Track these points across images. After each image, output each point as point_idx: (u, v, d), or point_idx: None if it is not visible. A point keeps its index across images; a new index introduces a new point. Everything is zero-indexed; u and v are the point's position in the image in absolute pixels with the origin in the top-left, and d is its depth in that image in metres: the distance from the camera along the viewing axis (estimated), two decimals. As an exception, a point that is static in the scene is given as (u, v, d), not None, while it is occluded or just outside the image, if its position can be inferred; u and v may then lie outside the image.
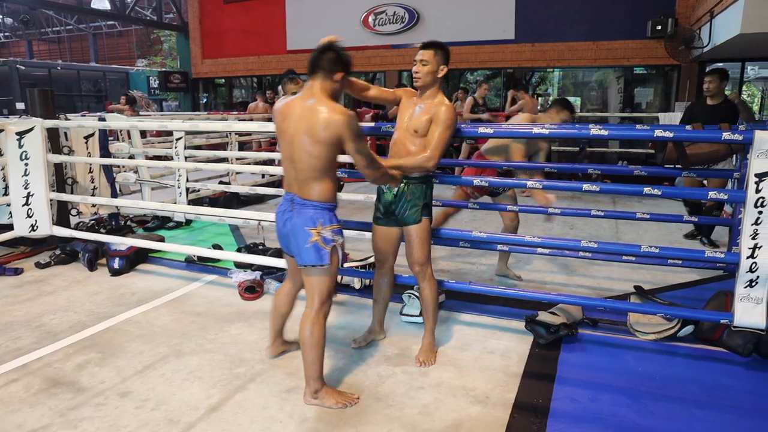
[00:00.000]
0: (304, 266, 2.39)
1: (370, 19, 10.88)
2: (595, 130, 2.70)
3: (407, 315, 3.30)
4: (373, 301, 3.06)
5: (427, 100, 2.67)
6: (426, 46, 2.68)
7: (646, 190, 2.74)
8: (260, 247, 4.41)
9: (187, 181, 5.69)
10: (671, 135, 2.55)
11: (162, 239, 4.83)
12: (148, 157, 6.22)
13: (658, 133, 2.57)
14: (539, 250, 3.72)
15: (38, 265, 4.39)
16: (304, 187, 2.35)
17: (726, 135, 2.52)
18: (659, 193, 2.72)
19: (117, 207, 5.33)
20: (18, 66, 17.26)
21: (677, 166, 3.39)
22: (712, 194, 2.72)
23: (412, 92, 2.79)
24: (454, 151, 9.78)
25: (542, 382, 2.65)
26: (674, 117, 7.75)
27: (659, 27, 8.80)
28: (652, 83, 10.83)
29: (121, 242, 4.32)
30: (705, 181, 5.02)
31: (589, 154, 9.07)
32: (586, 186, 2.85)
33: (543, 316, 3.10)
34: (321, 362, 2.41)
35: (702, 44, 8.09)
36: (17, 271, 4.24)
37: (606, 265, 4.29)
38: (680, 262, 3.53)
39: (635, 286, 3.50)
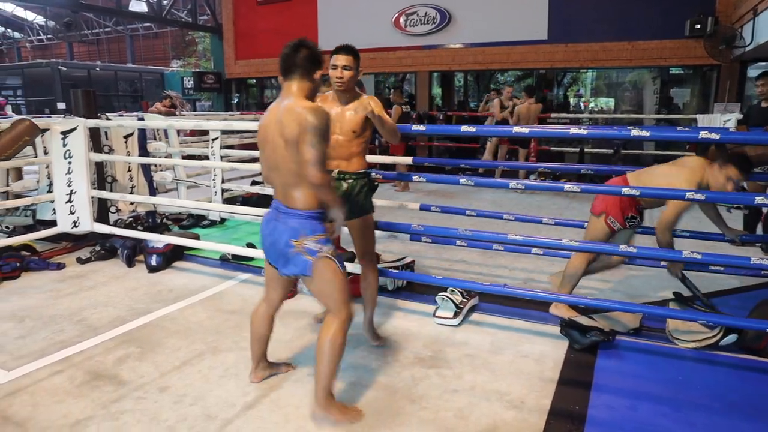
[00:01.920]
0: (293, 275, 2.30)
1: (402, 19, 10.87)
2: (635, 132, 2.65)
3: (440, 317, 3.29)
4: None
5: (354, 102, 2.75)
6: (347, 51, 2.70)
7: (689, 194, 2.67)
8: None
9: (222, 181, 5.78)
10: (717, 137, 2.48)
11: (197, 237, 4.92)
12: (184, 157, 6.34)
13: (702, 134, 2.51)
14: (572, 254, 3.66)
15: (79, 261, 4.52)
16: (288, 194, 2.23)
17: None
18: (703, 197, 2.65)
19: (154, 205, 5.45)
20: (60, 67, 17.82)
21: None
22: (759, 199, 2.63)
23: (327, 99, 2.80)
24: (484, 151, 9.73)
25: (578, 388, 2.61)
26: (713, 119, 7.54)
27: (698, 26, 8.57)
28: (689, 84, 10.56)
29: (159, 239, 4.41)
30: (746, 185, 4.88)
31: (623, 157, 8.89)
32: (625, 190, 2.79)
33: (580, 320, 3.05)
34: (334, 374, 2.29)
35: (744, 43, 7.85)
36: (60, 266, 4.38)
37: (641, 269, 4.20)
38: (722, 268, 3.43)
39: (674, 293, 3.41)
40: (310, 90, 2.25)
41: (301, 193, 2.21)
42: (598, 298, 3.38)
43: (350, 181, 2.82)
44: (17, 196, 5.64)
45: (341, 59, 2.68)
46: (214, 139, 5.66)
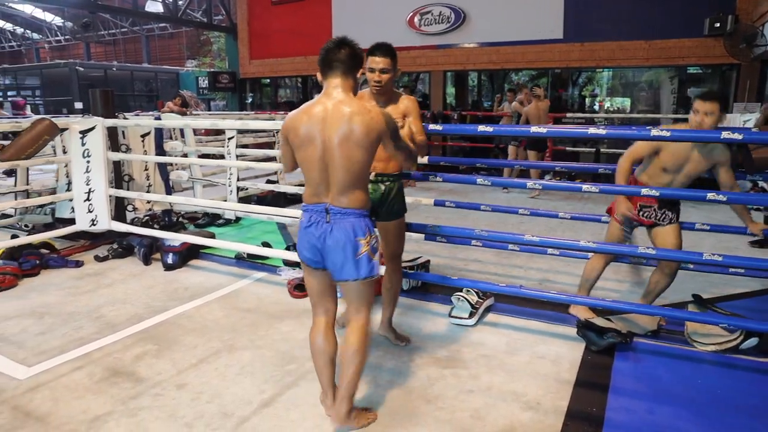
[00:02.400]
0: (353, 280, 2.15)
1: (416, 19, 10.85)
2: (655, 132, 2.62)
3: (456, 317, 3.28)
4: None
5: (391, 103, 2.72)
6: (385, 53, 2.62)
7: (710, 195, 2.64)
8: (308, 246, 4.46)
9: (238, 179, 5.82)
10: (740, 137, 2.44)
11: (213, 236, 4.95)
12: (200, 156, 6.39)
13: (725, 135, 2.47)
14: (590, 255, 3.62)
15: (97, 258, 4.58)
16: (342, 195, 2.12)
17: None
18: (724, 199, 2.61)
19: (170, 204, 5.50)
20: (77, 67, 18.05)
21: (741, 170, 3.25)
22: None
23: (363, 97, 2.73)
24: (500, 152, 9.68)
25: (595, 390, 2.58)
26: (733, 119, 7.44)
27: (718, 24, 8.44)
28: (708, 83, 10.41)
29: (175, 238, 4.45)
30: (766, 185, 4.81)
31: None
32: (644, 191, 2.77)
33: (597, 321, 3.02)
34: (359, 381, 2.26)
35: (765, 42, 7.72)
36: (78, 264, 4.44)
37: (660, 271, 4.15)
38: (743, 271, 3.38)
39: (693, 295, 3.37)
40: (352, 89, 2.17)
41: (358, 194, 2.14)
42: (615, 299, 3.34)
43: (387, 183, 2.82)
44: (38, 194, 5.72)
45: (379, 62, 2.60)
46: (229, 139, 5.69)
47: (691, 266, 3.54)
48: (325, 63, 2.16)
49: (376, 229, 2.27)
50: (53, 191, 5.42)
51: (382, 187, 2.80)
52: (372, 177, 2.75)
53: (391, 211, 2.83)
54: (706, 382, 2.65)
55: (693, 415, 2.37)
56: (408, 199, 4.06)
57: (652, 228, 3.20)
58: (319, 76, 2.19)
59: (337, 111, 2.08)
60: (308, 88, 13.66)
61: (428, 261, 4.11)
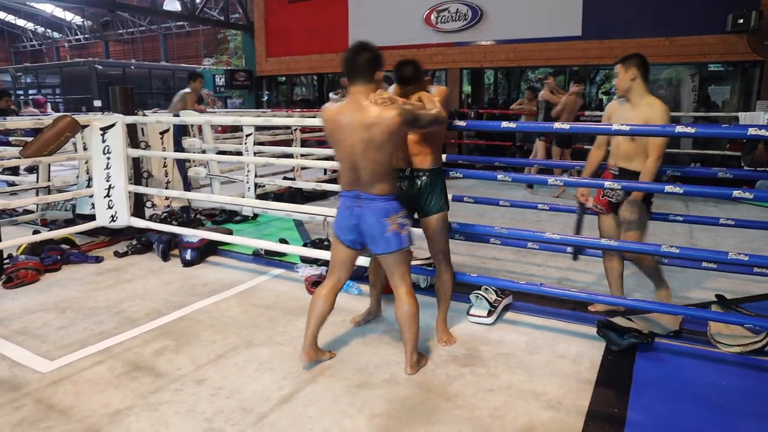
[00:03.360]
0: (387, 253, 2.56)
1: (433, 16, 10.80)
2: (680, 128, 2.57)
3: (474, 315, 3.26)
4: (371, 285, 3.27)
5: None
6: (405, 81, 2.77)
7: (736, 193, 2.58)
8: (326, 243, 4.47)
9: (255, 176, 5.84)
10: None
11: (230, 232, 4.97)
12: (218, 153, 6.42)
13: (752, 131, 2.42)
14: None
15: (117, 254, 4.63)
16: (369, 187, 2.49)
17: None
18: (751, 196, 2.56)
19: (189, 200, 5.54)
20: (96, 66, 18.28)
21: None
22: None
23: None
24: (518, 150, 9.60)
25: (617, 390, 2.55)
26: (756, 117, 7.29)
27: (741, 20, 8.28)
28: (729, 81, 10.22)
29: (193, 234, 4.48)
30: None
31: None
32: (668, 188, 2.72)
33: (617, 321, 2.98)
34: (418, 336, 2.66)
35: (790, 39, 7.56)
36: (98, 259, 4.49)
37: (680, 271, 4.08)
38: (768, 270, 3.31)
39: (717, 295, 3.31)
40: (374, 91, 2.43)
41: (384, 185, 2.50)
42: (636, 299, 3.29)
43: (423, 178, 2.83)
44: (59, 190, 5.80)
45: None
46: (247, 135, 5.71)
47: (714, 266, 3.47)
48: (346, 71, 2.44)
49: (403, 209, 2.60)
50: (72, 188, 5.49)
51: (419, 182, 2.83)
52: (407, 173, 2.83)
53: (429, 206, 2.85)
54: (731, 384, 2.60)
55: (717, 418, 2.33)
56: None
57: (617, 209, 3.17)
58: (344, 81, 2.48)
59: (359, 121, 2.38)
60: (324, 86, 13.67)
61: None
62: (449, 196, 3.03)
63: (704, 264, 3.48)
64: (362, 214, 2.52)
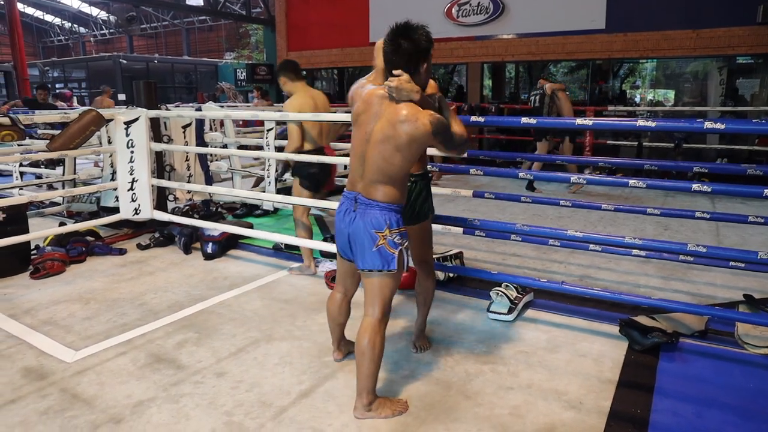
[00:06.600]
0: (368, 270, 2.21)
1: (454, 10, 10.71)
2: (709, 124, 2.50)
3: (494, 312, 3.23)
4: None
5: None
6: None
7: (767, 191, 2.51)
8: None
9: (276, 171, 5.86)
10: (801, 131, 2.31)
11: (251, 226, 5.00)
12: (239, 147, 6.47)
13: (784, 129, 2.35)
14: (634, 252, 3.51)
15: (139, 247, 4.69)
16: (370, 187, 2.17)
17: None
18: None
19: (210, 194, 5.58)
20: (121, 60, 18.54)
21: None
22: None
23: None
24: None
25: (640, 391, 2.50)
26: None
27: (772, 12, 8.05)
28: (759, 74, 9.96)
29: (215, 228, 4.52)
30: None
31: (684, 151, 8.49)
32: (695, 186, 2.66)
33: (641, 320, 2.93)
34: (377, 374, 2.26)
35: (823, 31, 7.33)
36: (122, 252, 4.56)
37: (706, 270, 4.00)
38: (798, 270, 3.22)
39: (745, 295, 3.24)
40: (416, 84, 2.12)
41: (388, 189, 2.17)
42: (660, 298, 3.23)
43: (409, 184, 2.68)
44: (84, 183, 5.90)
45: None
46: (269, 130, 5.74)
47: (742, 265, 3.39)
48: (385, 60, 2.18)
49: (401, 225, 2.23)
50: (96, 181, 5.58)
51: (412, 188, 2.69)
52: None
53: (416, 213, 2.68)
54: (759, 387, 2.53)
55: (743, 421, 2.27)
56: (446, 191, 4.03)
57: None
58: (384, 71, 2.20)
59: (390, 110, 2.11)
60: (344, 80, 13.67)
61: (461, 252, 4.03)
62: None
63: (731, 263, 3.40)
64: (354, 221, 2.20)
